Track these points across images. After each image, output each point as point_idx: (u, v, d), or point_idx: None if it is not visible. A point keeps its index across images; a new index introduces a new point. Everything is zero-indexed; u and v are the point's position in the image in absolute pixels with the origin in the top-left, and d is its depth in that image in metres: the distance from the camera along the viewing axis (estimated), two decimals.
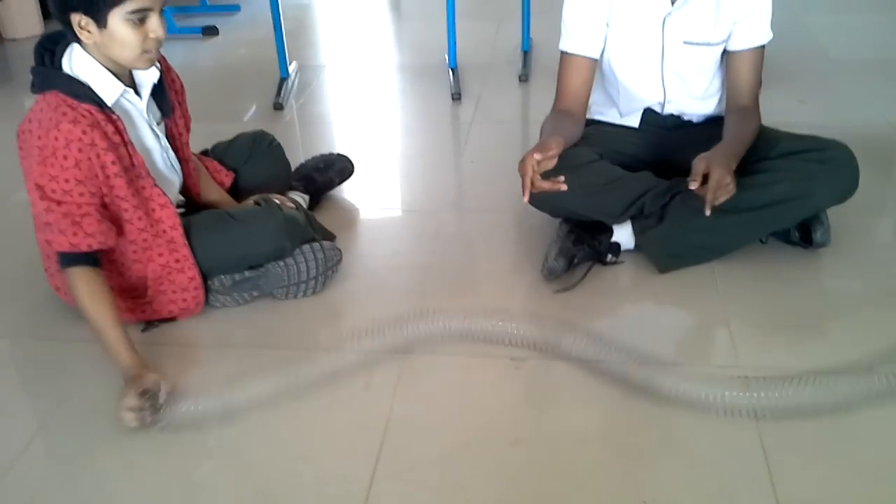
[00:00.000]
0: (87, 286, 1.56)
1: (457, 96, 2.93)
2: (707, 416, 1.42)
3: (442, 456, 1.39)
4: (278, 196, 1.89)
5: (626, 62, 1.92)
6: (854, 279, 1.81)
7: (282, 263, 1.78)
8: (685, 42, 1.87)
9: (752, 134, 1.82)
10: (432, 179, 2.43)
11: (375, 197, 2.33)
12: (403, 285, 1.87)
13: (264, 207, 1.80)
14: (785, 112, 2.66)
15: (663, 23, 1.85)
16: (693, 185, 1.62)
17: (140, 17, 1.51)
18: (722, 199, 1.63)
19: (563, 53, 1.92)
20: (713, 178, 1.61)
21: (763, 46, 1.88)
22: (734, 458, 1.34)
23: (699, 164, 1.65)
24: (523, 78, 3.05)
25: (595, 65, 1.92)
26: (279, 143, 2.14)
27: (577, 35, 1.89)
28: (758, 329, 1.66)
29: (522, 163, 1.63)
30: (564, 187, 1.61)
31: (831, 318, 1.71)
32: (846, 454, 1.34)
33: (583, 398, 1.50)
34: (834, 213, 1.84)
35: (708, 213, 1.62)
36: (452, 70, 3.07)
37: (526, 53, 3.21)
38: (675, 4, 1.82)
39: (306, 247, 1.81)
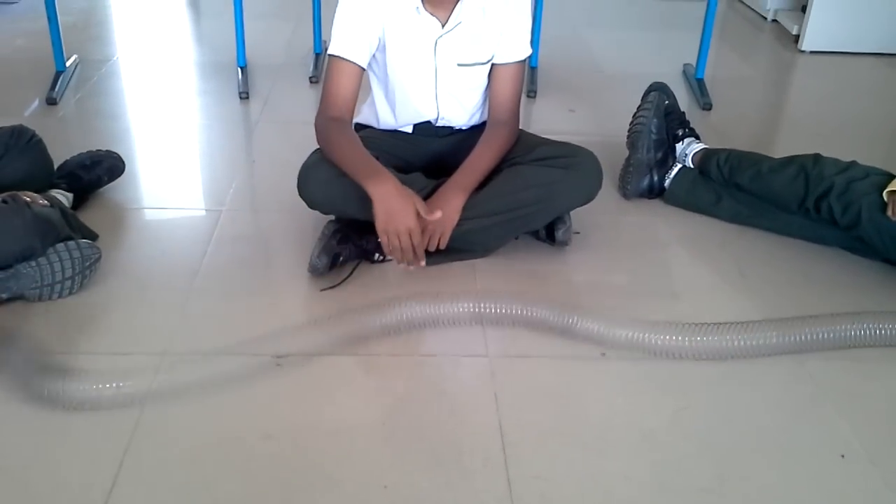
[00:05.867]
0: None
1: (244, 95, 2.90)
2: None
3: (190, 455, 1.38)
4: (29, 194, 1.80)
5: (403, 81, 1.95)
6: (596, 273, 1.96)
7: (33, 263, 1.70)
8: (459, 64, 1.93)
9: (498, 151, 1.93)
10: (212, 179, 2.40)
11: (150, 196, 2.27)
12: (167, 286, 1.83)
13: (10, 205, 1.71)
14: (554, 120, 2.86)
15: (435, 45, 1.90)
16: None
17: None
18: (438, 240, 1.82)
19: (336, 58, 1.86)
20: (431, 226, 1.79)
21: (523, 61, 1.98)
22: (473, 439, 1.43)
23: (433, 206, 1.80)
24: (314, 80, 3.07)
25: (362, 74, 1.91)
26: (40, 140, 2.04)
27: (351, 40, 1.85)
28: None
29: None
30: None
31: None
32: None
33: (339, 392, 1.54)
34: (585, 212, 1.99)
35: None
36: (241, 69, 3.04)
37: (318, 55, 3.24)
38: (446, 27, 1.87)
39: (61, 246, 1.74)
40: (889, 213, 1.82)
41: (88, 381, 1.46)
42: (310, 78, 3.09)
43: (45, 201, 1.82)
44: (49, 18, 2.86)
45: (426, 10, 1.85)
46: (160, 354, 1.60)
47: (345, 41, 1.86)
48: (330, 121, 1.88)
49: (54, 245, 1.74)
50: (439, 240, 1.83)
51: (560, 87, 3.12)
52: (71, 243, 1.76)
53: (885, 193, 1.84)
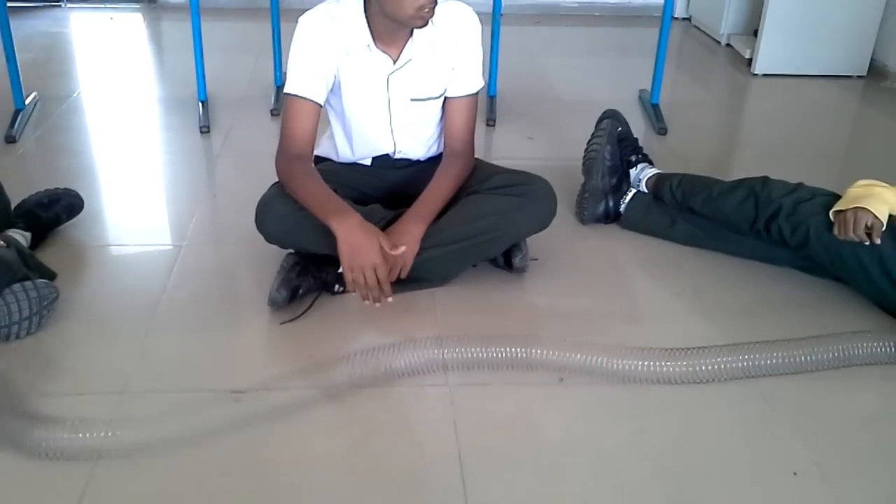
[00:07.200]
0: None
1: (205, 129, 2.91)
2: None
3: (148, 492, 1.38)
4: None
5: (358, 116, 1.97)
6: (555, 298, 1.99)
7: None
8: (412, 99, 1.96)
9: (454, 181, 1.96)
10: (173, 214, 2.40)
11: (110, 233, 2.27)
12: (127, 323, 1.83)
13: None
14: (513, 147, 2.91)
15: (387, 82, 1.93)
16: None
17: None
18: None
19: (293, 97, 1.87)
20: (392, 258, 1.79)
21: (475, 94, 2.01)
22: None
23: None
24: (275, 112, 3.10)
25: (320, 110, 1.92)
26: None
27: (307, 79, 1.87)
28: None
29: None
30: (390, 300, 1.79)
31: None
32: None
33: (298, 425, 1.55)
34: (543, 238, 2.01)
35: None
36: (202, 103, 3.05)
37: (279, 88, 3.26)
38: (397, 64, 1.90)
39: (17, 286, 1.74)
40: (836, 231, 1.87)
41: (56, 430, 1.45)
42: (271, 111, 3.12)
43: (2, 242, 1.82)
44: (7, 57, 2.87)
45: (377, 47, 1.88)
46: (119, 393, 1.60)
47: (301, 79, 1.87)
48: (292, 158, 1.88)
49: (10, 286, 1.73)
50: (400, 270, 1.85)
51: (519, 115, 3.17)
52: (28, 283, 1.75)
53: (831, 213, 1.89)
